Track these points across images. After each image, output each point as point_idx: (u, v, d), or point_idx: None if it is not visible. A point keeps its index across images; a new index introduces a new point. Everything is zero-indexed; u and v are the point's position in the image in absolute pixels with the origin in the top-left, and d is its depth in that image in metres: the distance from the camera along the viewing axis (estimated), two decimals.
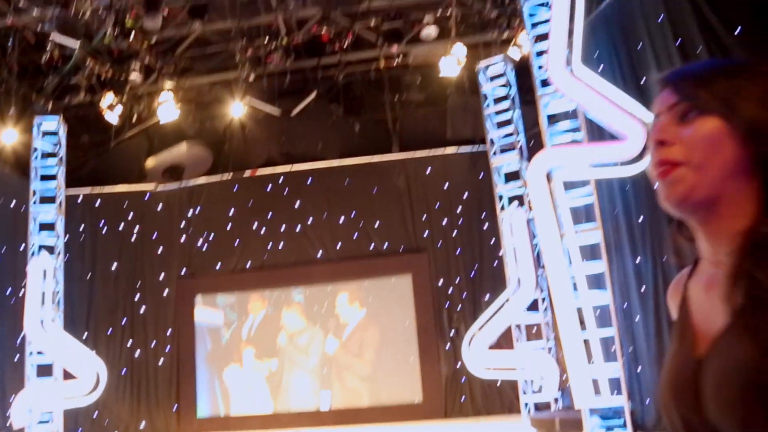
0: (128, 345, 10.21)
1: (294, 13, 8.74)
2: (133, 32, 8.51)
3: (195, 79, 10.00)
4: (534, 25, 7.43)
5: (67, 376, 8.19)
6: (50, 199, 8.75)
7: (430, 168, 10.15)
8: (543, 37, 7.24)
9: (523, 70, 8.87)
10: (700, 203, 0.89)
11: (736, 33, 5.63)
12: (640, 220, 6.72)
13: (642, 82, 6.59)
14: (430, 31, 8.76)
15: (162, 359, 10.20)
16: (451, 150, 10.13)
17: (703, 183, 0.88)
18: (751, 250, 0.84)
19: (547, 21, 7.26)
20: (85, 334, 9.67)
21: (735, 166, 0.87)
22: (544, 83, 7.16)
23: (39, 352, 8.16)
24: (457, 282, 9.77)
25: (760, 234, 0.84)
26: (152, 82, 9.62)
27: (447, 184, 9.98)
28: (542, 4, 7.33)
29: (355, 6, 8.73)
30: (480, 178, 9.46)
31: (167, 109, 9.29)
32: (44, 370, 8.18)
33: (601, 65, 7.03)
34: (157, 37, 8.89)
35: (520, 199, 8.26)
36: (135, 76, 9.06)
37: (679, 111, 0.91)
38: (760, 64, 0.91)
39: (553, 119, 7.24)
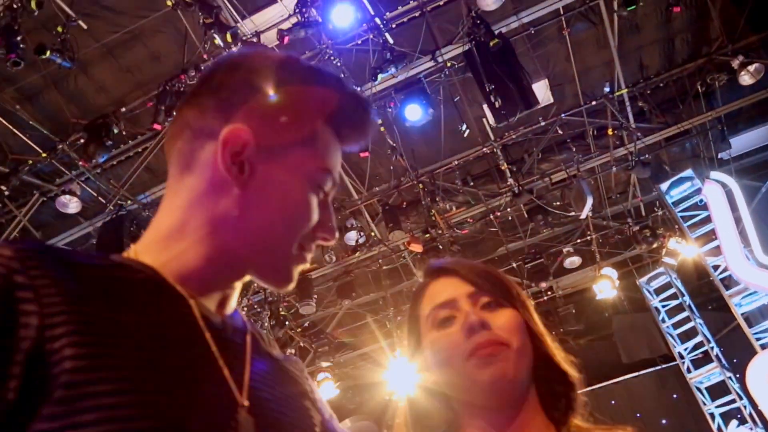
0: None
1: None
2: (286, 321, 8.92)
3: (349, 354, 10.07)
4: (690, 228, 7.15)
5: None
6: None
7: (613, 401, 9.16)
8: (705, 237, 6.93)
9: (680, 273, 8.44)
10: (520, 386, 0.90)
11: None
12: None
13: None
14: (573, 259, 8.63)
15: None
16: (631, 375, 9.20)
17: (523, 366, 0.90)
18: None
19: (701, 220, 7.03)
20: None
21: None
22: (726, 284, 6.65)
23: None
24: None
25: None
26: (308, 363, 9.74)
27: (638, 413, 8.89)
28: (693, 205, 7.12)
29: (490, 254, 8.85)
30: (675, 397, 8.41)
31: (326, 388, 9.22)
32: None
33: None
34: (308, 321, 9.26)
35: (737, 416, 7.16)
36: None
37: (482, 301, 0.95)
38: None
39: (748, 319, 6.58)
